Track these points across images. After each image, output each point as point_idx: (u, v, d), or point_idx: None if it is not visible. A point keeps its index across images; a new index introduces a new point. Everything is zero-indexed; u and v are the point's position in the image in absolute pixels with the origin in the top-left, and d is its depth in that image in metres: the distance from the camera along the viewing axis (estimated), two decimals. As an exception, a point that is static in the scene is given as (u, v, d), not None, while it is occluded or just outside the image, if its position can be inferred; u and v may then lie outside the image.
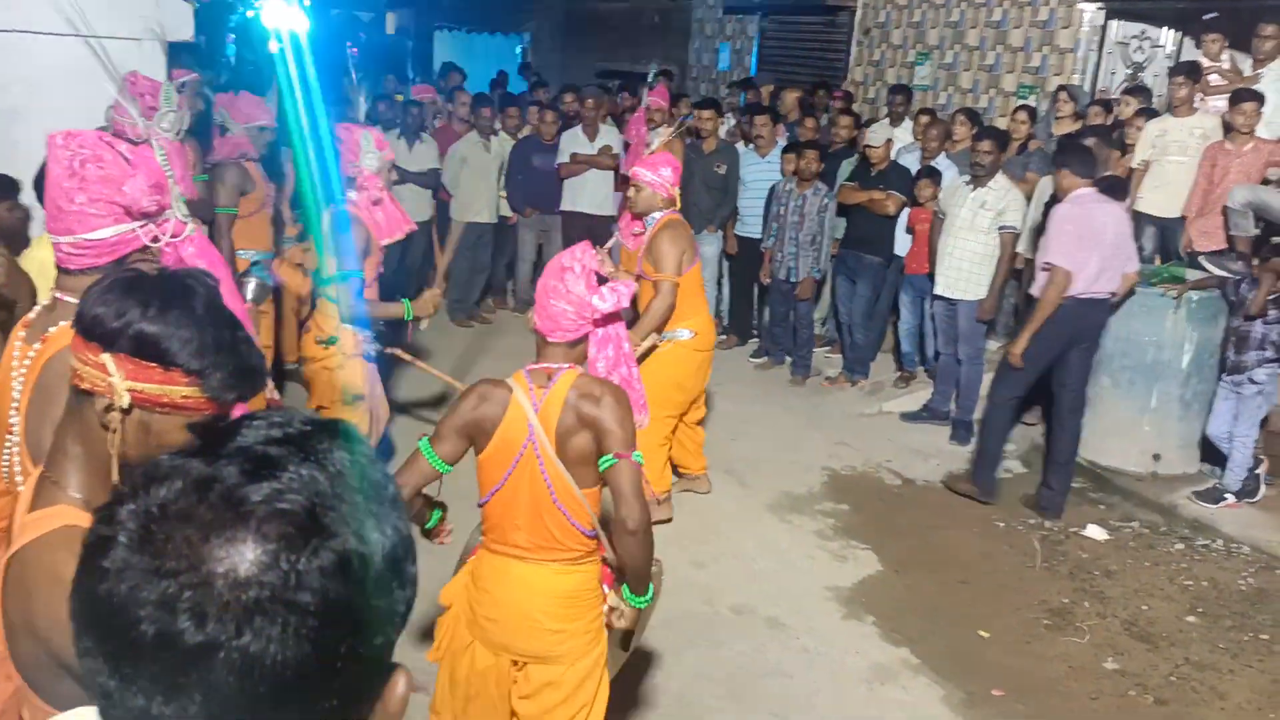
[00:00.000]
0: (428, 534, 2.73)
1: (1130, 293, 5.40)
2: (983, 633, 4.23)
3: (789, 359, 7.29)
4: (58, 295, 1.90)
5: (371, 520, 0.70)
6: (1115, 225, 5.14)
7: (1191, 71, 6.39)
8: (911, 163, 7.00)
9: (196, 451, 0.71)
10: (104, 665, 0.66)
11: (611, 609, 2.66)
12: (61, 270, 1.92)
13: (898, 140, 7.66)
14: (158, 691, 0.65)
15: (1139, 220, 6.44)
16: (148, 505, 0.67)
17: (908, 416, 6.57)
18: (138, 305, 1.38)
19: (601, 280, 2.58)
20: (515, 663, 2.67)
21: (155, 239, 1.93)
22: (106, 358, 1.36)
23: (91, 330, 1.38)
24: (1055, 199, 5.26)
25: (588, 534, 2.57)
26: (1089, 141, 6.18)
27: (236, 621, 0.64)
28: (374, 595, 0.69)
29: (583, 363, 2.62)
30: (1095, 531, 5.16)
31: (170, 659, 0.64)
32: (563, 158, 7.90)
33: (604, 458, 2.47)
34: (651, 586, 2.65)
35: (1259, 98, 5.86)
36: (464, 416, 2.53)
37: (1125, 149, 6.59)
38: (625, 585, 2.63)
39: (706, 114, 7.48)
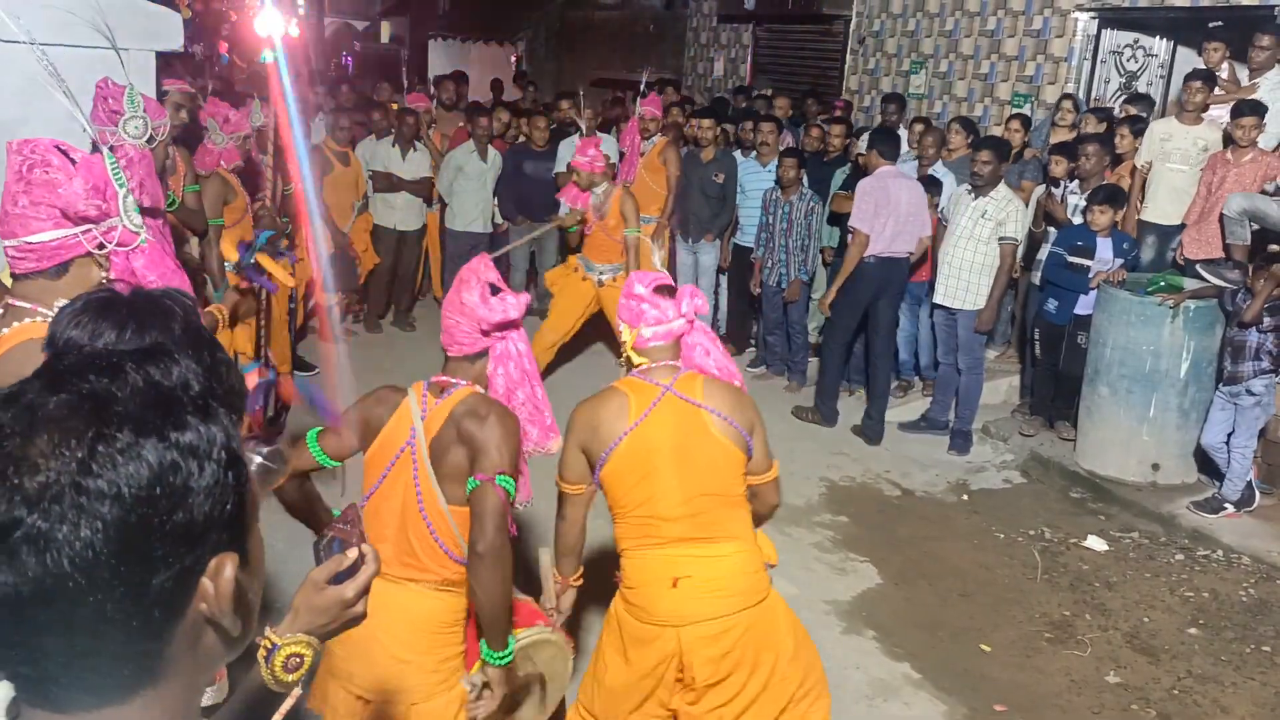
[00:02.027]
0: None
1: (924, 256, 6.37)
2: (984, 646, 4.19)
3: (786, 369, 7.26)
4: (9, 301, 1.91)
5: (161, 417, 0.78)
6: (909, 197, 6.11)
7: (1209, 79, 6.32)
8: (908, 171, 6.98)
9: (17, 382, 0.80)
10: None
11: (472, 687, 2.45)
12: (12, 276, 1.93)
13: (905, 147, 7.65)
14: None
15: (1140, 228, 6.42)
16: None
17: (905, 426, 6.53)
18: (114, 327, 1.33)
19: (496, 291, 2.51)
20: (362, 700, 2.49)
21: (100, 245, 1.91)
22: None
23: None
24: (864, 173, 6.31)
25: (453, 557, 2.46)
26: (1088, 148, 6.20)
27: (27, 502, 0.73)
28: (168, 473, 0.77)
29: (485, 384, 2.54)
30: (1095, 542, 5.13)
31: None
32: (560, 166, 7.87)
33: (470, 479, 2.37)
34: (513, 643, 2.42)
35: (1259, 111, 5.83)
36: (356, 413, 2.54)
37: (1117, 159, 6.56)
38: (484, 642, 2.42)
39: (705, 123, 7.45)
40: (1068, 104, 7.28)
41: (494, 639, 2.39)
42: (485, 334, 2.49)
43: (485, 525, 2.32)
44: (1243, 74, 6.53)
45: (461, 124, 8.46)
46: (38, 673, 0.78)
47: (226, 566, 0.83)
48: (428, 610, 2.47)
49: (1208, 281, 5.50)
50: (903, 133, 7.75)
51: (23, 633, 0.76)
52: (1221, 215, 5.80)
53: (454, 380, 2.49)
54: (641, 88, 7.81)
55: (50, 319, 1.79)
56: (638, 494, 2.63)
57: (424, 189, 7.76)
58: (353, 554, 1.41)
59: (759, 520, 2.78)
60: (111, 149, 3.52)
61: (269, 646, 1.40)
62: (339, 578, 1.40)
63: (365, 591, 1.42)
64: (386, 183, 7.55)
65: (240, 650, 0.89)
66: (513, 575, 2.41)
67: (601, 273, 6.56)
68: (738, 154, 7.60)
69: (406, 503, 2.43)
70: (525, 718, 2.71)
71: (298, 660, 1.40)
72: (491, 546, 2.31)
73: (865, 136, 7.02)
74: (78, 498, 0.74)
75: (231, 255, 5.31)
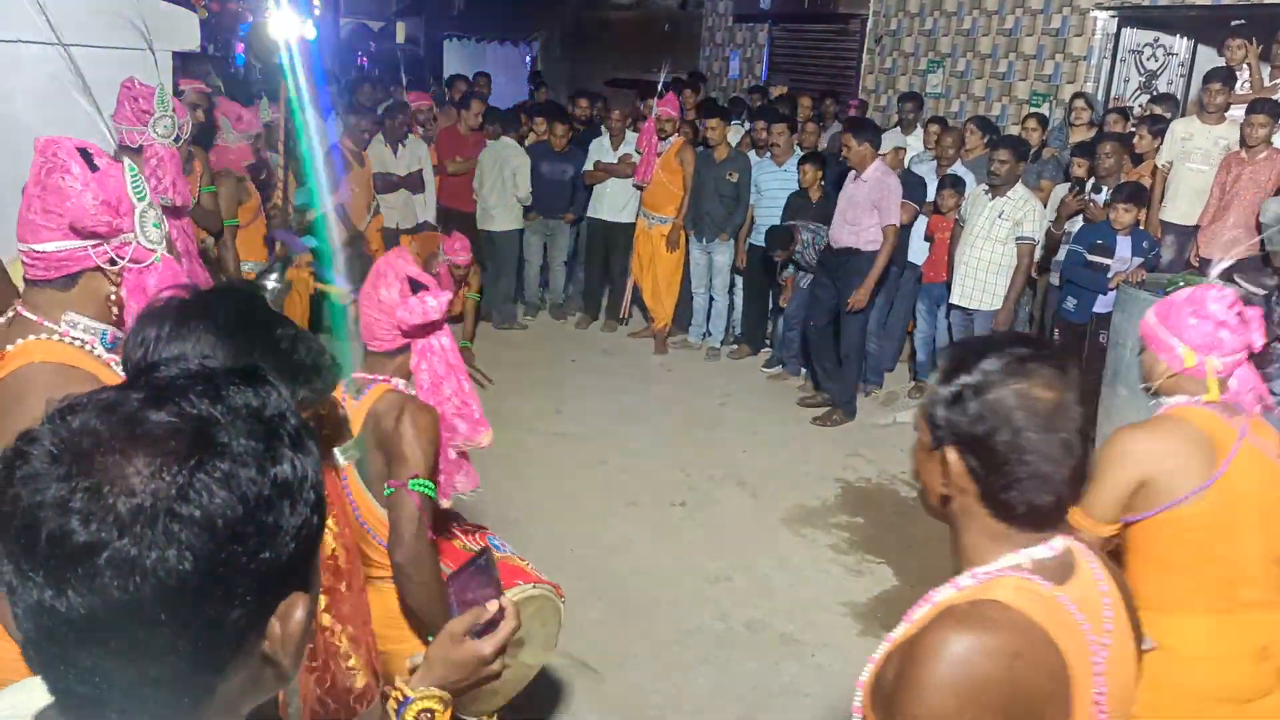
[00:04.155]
0: None
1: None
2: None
3: (804, 369, 7.22)
4: (18, 309, 1.82)
5: (261, 446, 0.77)
6: None
7: (1228, 78, 6.27)
8: (926, 172, 6.95)
9: (114, 387, 0.78)
10: (8, 564, 0.73)
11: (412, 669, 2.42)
12: (25, 280, 1.85)
13: (911, 149, 7.61)
14: (49, 586, 0.71)
15: (1160, 228, 6.36)
16: (62, 427, 0.74)
17: (922, 428, 6.50)
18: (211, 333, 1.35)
19: (417, 288, 2.39)
20: None
21: (112, 260, 1.82)
22: None
23: None
24: (847, 168, 6.43)
25: None
26: (1106, 146, 6.14)
27: (119, 525, 0.70)
28: (259, 511, 0.75)
29: (408, 375, 2.46)
30: (1114, 545, 5.08)
31: (60, 556, 0.71)
32: (588, 164, 8.04)
33: (386, 486, 2.31)
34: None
35: (1271, 111, 5.77)
36: None
37: (1137, 159, 6.51)
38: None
39: (712, 122, 7.44)
40: (1080, 102, 7.22)
41: (434, 630, 2.31)
42: (405, 334, 2.40)
43: (401, 534, 2.26)
44: (1265, 72, 6.46)
45: (452, 123, 8.53)
46: (95, 694, 0.75)
47: (298, 609, 0.81)
48: (396, 604, 2.42)
49: (1241, 288, 5.43)
50: (919, 132, 7.73)
51: (91, 655, 0.73)
52: (1258, 221, 5.74)
53: (372, 376, 2.42)
54: (659, 87, 7.80)
55: (57, 334, 1.78)
56: (1218, 549, 2.24)
57: (417, 183, 7.76)
58: (493, 607, 1.32)
59: None
60: (140, 150, 3.56)
61: (400, 699, 1.32)
62: (477, 631, 1.32)
63: (504, 649, 1.34)
64: (384, 182, 7.55)
65: (286, 686, 0.87)
66: (437, 572, 2.34)
67: None
68: (752, 154, 7.58)
69: (346, 509, 2.35)
70: (509, 677, 2.62)
71: (428, 715, 1.33)
72: (408, 555, 2.25)
73: (884, 136, 6.97)
74: (170, 524, 0.72)
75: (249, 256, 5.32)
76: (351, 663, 2.04)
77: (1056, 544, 1.39)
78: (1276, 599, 2.25)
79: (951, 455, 1.36)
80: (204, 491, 0.72)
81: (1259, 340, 2.28)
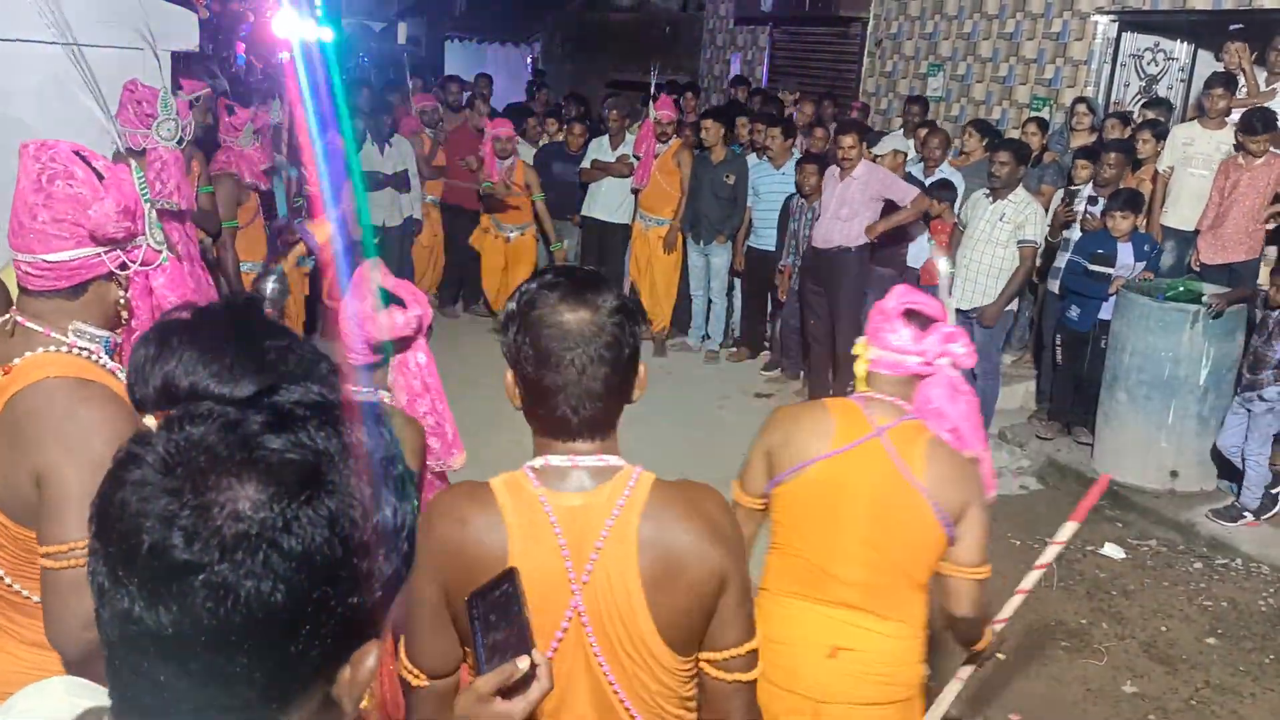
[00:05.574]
0: None
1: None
2: (999, 655, 4.15)
3: (803, 372, 7.21)
4: (19, 319, 1.76)
5: (370, 490, 0.76)
6: None
7: (1230, 83, 6.27)
8: (915, 174, 6.95)
9: (236, 401, 0.78)
10: (104, 565, 0.73)
11: None
12: (22, 290, 1.78)
13: (911, 152, 7.61)
14: (141, 598, 0.71)
15: (1161, 233, 6.35)
16: (180, 436, 0.74)
17: (920, 431, 6.48)
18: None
19: (392, 302, 2.33)
20: None
21: (123, 265, 1.78)
22: None
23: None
24: (831, 161, 6.55)
25: None
26: (1109, 156, 6.13)
27: (222, 548, 0.70)
28: (356, 555, 0.74)
29: (389, 388, 2.38)
30: (1113, 550, 5.08)
31: (157, 570, 0.70)
32: (586, 163, 8.05)
33: None
34: None
35: (1270, 124, 5.76)
36: None
37: (1137, 164, 6.51)
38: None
39: (707, 123, 7.44)
40: (1082, 107, 7.22)
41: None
42: (374, 349, 2.33)
43: None
44: (1261, 77, 6.46)
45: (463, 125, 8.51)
46: (161, 709, 0.74)
47: (370, 657, 0.80)
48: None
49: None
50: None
51: (167, 671, 0.73)
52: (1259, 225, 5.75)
53: (355, 389, 2.33)
54: (652, 89, 7.81)
55: (65, 345, 1.74)
56: (815, 537, 2.22)
57: (403, 181, 7.73)
58: (524, 664, 1.21)
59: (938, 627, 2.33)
60: (143, 152, 3.56)
61: None
62: (507, 691, 1.22)
63: (533, 709, 1.25)
64: (371, 180, 7.52)
65: None
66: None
67: (510, 231, 7.90)
68: (751, 157, 7.58)
69: None
70: None
71: None
72: None
73: (885, 139, 6.96)
74: (271, 556, 0.71)
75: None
76: (364, 704, 2.01)
77: (584, 460, 1.49)
78: (864, 601, 2.18)
79: (508, 375, 1.51)
80: (309, 527, 0.72)
81: (933, 349, 2.21)
